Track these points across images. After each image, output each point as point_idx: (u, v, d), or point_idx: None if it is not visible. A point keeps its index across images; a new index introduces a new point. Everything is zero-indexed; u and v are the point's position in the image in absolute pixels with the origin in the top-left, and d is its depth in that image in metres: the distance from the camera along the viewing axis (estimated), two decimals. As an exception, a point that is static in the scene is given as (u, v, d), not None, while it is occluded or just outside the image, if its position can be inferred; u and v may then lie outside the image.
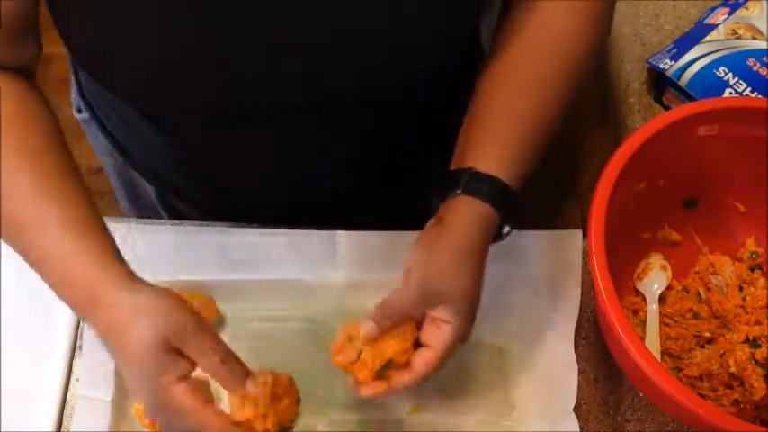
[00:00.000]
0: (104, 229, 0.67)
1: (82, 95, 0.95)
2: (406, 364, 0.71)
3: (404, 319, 0.71)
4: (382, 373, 0.72)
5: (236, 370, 0.65)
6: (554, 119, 0.74)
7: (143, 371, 0.62)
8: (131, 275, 0.65)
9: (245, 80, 0.69)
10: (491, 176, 0.70)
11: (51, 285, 0.67)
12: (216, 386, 0.81)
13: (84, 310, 0.66)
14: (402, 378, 0.71)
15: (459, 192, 0.70)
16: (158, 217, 1.00)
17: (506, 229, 0.73)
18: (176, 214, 0.99)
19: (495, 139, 0.72)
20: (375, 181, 0.89)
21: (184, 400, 0.62)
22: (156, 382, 0.62)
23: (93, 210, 0.67)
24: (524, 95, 0.73)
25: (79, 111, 0.97)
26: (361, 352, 0.72)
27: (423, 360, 0.70)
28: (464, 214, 0.70)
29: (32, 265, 0.67)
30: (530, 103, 0.73)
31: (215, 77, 0.68)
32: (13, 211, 0.66)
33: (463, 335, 0.70)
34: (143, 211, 1.04)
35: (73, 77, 0.97)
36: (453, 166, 0.72)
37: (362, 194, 0.90)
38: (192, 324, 0.63)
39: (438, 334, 0.70)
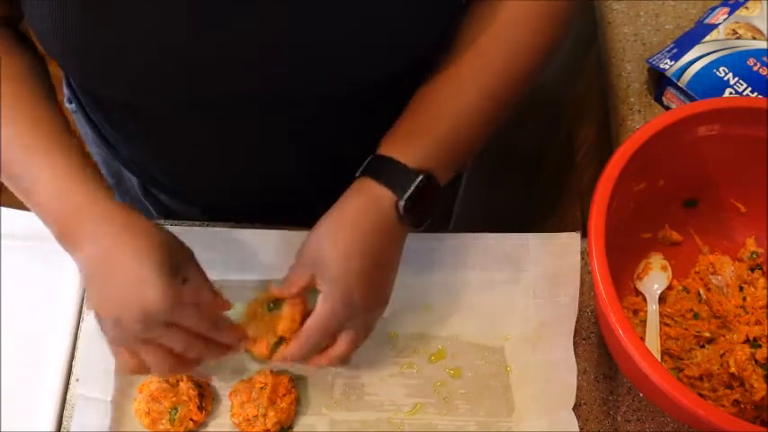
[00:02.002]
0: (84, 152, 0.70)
1: (69, 86, 0.96)
2: None
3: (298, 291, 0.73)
4: (276, 348, 0.77)
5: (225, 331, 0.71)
6: (489, 112, 0.74)
7: (138, 277, 0.64)
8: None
9: (218, 70, 0.70)
10: (390, 158, 0.71)
11: (38, 203, 0.69)
12: (216, 387, 0.82)
13: (70, 226, 0.67)
14: (289, 348, 0.73)
15: (357, 175, 0.72)
16: (144, 210, 1.01)
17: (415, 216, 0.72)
18: (159, 205, 1.00)
19: (413, 128, 0.73)
20: (347, 179, 0.90)
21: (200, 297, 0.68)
22: (159, 288, 0.64)
23: (73, 137, 0.71)
24: (458, 87, 0.74)
25: (69, 101, 0.97)
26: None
27: (304, 327, 0.73)
28: (349, 192, 0.72)
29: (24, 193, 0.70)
30: (459, 97, 0.73)
31: (185, 67, 0.69)
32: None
33: (337, 305, 0.71)
34: (129, 205, 1.04)
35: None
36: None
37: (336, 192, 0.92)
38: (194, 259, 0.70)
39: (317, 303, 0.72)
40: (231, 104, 0.74)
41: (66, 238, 0.68)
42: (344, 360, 0.74)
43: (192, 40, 0.67)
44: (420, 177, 0.70)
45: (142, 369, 0.69)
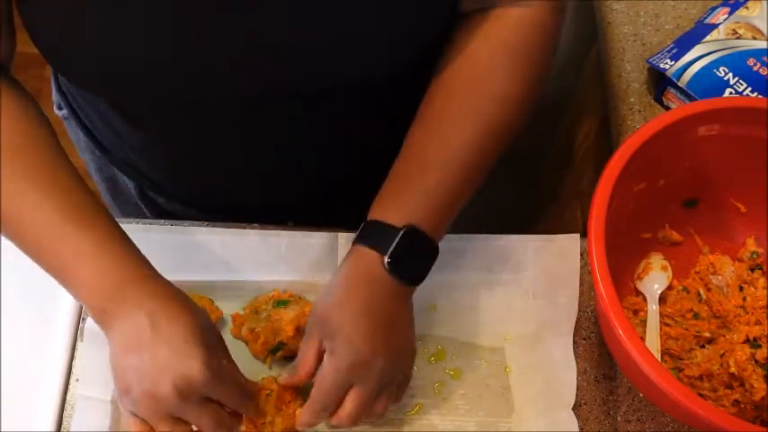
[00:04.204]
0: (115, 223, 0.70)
1: (60, 92, 0.95)
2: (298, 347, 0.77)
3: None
4: (275, 351, 0.80)
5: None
6: (474, 164, 0.74)
7: (189, 346, 0.65)
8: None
9: (213, 70, 0.70)
10: (375, 221, 0.73)
11: (76, 277, 0.68)
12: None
13: (107, 296, 0.67)
14: (301, 416, 0.74)
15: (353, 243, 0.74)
16: (140, 213, 1.01)
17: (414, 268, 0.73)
18: (157, 209, 1.00)
19: (397, 188, 0.74)
20: (345, 177, 0.91)
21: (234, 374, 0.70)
22: (205, 355, 0.65)
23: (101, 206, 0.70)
24: (444, 141, 0.74)
25: (59, 108, 0.97)
26: (259, 329, 0.80)
27: (312, 394, 0.73)
28: (346, 258, 0.74)
29: (38, 257, 0.69)
30: (444, 151, 0.74)
31: (181, 66, 0.69)
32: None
33: (342, 363, 0.71)
34: (125, 208, 1.05)
35: (52, 74, 0.97)
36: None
37: (334, 191, 0.92)
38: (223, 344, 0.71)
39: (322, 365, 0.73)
40: (231, 104, 0.74)
41: (105, 311, 0.67)
42: (356, 419, 0.73)
43: (192, 42, 0.67)
44: (401, 232, 0.71)
45: None
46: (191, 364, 0.64)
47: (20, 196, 0.68)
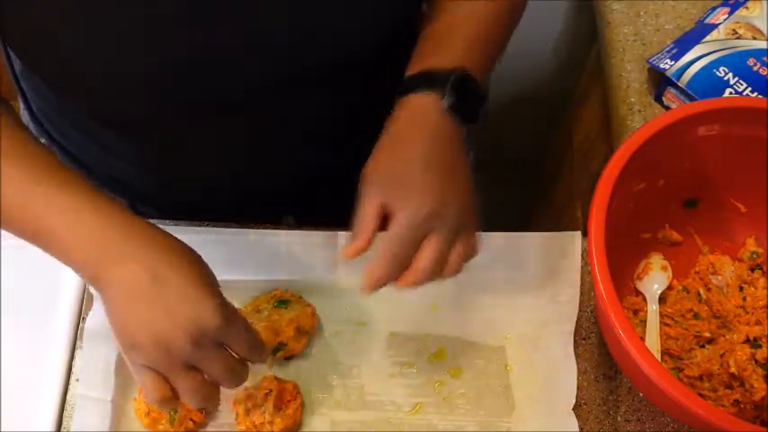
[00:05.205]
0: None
1: (35, 120, 0.93)
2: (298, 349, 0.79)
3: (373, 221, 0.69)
4: (275, 351, 0.79)
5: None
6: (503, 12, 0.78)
7: (197, 281, 0.63)
8: None
9: (198, 67, 0.70)
10: (421, 71, 0.72)
11: (63, 241, 0.65)
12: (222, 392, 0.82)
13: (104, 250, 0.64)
14: (373, 269, 0.69)
15: (397, 96, 0.73)
16: None
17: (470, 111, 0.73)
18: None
19: (435, 41, 0.75)
20: (334, 167, 0.90)
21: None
22: (212, 298, 0.63)
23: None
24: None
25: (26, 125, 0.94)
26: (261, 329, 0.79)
27: (382, 247, 0.68)
28: (394, 113, 0.72)
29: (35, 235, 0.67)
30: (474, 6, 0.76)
31: (166, 66, 0.68)
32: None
33: (413, 217, 0.68)
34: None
35: (21, 103, 0.94)
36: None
37: (322, 183, 0.92)
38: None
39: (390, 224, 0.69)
40: (228, 100, 0.74)
41: (100, 270, 0.64)
42: (432, 273, 0.69)
43: (185, 40, 0.67)
44: (454, 73, 0.71)
45: (174, 399, 0.65)
46: (202, 309, 0.62)
47: None
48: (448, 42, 0.74)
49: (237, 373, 0.66)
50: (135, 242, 0.64)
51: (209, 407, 0.65)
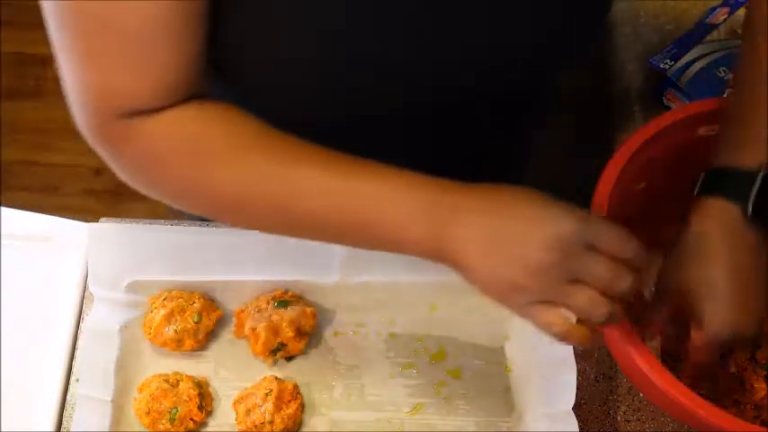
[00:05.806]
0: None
1: None
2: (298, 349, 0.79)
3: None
4: (275, 352, 0.80)
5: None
6: None
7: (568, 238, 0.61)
8: None
9: (397, 79, 0.68)
10: (723, 168, 0.69)
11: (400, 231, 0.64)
12: (216, 387, 0.82)
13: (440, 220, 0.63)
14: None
15: (696, 194, 0.71)
16: None
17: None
18: None
19: (738, 129, 0.70)
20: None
21: None
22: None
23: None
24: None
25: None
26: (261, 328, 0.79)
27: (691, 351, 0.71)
28: (695, 217, 0.71)
29: (360, 234, 0.66)
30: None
31: (367, 79, 0.68)
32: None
33: (721, 330, 0.68)
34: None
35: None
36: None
37: None
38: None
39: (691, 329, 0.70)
40: (417, 114, 0.73)
41: (443, 238, 0.63)
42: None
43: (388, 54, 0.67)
44: (760, 175, 0.67)
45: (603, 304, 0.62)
46: (552, 223, 0.61)
47: (295, 182, 0.64)
48: (750, 129, 0.69)
49: (620, 271, 0.62)
50: (457, 198, 0.63)
51: (612, 320, 0.63)
